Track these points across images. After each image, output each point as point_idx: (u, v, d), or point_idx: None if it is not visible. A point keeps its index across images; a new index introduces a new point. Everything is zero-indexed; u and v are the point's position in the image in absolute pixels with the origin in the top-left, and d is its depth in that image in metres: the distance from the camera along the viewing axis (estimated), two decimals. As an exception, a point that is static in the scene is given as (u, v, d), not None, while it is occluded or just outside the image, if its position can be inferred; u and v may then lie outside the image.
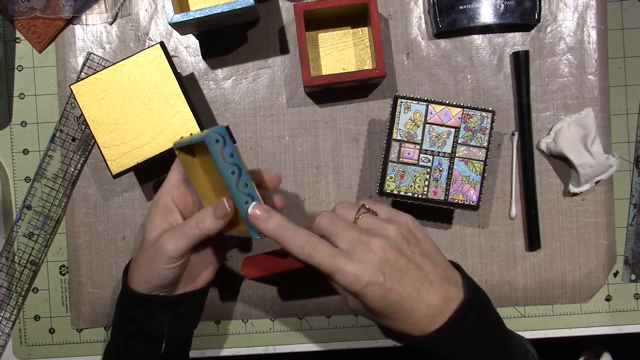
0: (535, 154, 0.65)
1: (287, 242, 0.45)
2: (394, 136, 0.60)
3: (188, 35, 0.65)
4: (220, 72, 0.66)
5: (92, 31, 0.66)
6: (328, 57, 0.65)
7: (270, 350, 0.68)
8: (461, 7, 0.63)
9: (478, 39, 0.66)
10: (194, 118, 0.59)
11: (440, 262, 0.47)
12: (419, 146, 0.60)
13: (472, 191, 0.60)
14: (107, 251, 0.66)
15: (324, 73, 0.65)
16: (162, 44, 0.59)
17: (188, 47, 0.66)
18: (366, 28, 0.65)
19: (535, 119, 0.65)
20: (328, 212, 0.48)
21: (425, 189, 0.60)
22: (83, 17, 0.66)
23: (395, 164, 0.60)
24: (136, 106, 0.59)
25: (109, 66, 0.59)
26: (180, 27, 0.59)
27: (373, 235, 0.45)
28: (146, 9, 0.66)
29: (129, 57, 0.59)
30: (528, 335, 0.67)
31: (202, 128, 0.59)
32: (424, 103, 0.60)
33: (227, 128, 0.46)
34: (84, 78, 0.59)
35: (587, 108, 0.64)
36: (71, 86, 0.59)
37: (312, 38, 0.65)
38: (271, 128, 0.66)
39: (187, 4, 0.63)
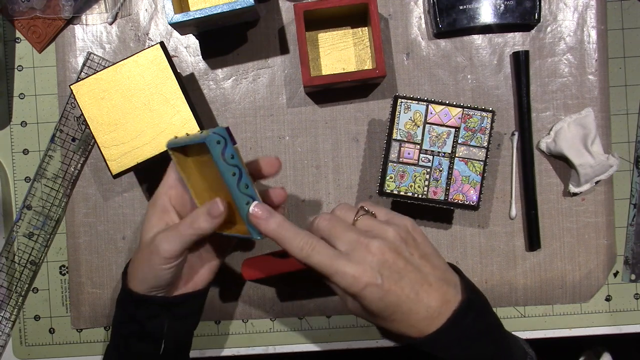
0: (535, 154, 0.65)
1: (286, 242, 0.45)
2: (394, 136, 0.60)
3: (188, 35, 0.65)
4: (220, 72, 0.66)
5: (92, 31, 0.66)
6: (328, 57, 0.65)
7: (270, 350, 0.68)
8: (461, 7, 0.63)
9: (478, 39, 0.65)
10: (194, 118, 0.59)
11: (438, 264, 0.47)
12: (419, 146, 0.60)
13: (472, 191, 0.60)
14: (107, 251, 0.67)
15: (324, 73, 0.65)
16: (162, 44, 0.59)
17: (188, 47, 0.66)
18: (366, 28, 0.65)
19: (535, 119, 0.65)
20: (327, 214, 0.49)
21: (425, 189, 0.60)
22: (83, 17, 0.66)
23: (395, 164, 0.60)
24: (136, 106, 0.59)
25: (109, 66, 0.59)
26: (180, 27, 0.59)
27: (372, 237, 0.45)
28: (146, 9, 0.66)
29: (129, 57, 0.59)
30: (528, 335, 0.67)
31: (202, 128, 0.59)
32: (424, 103, 0.59)
33: (228, 129, 0.46)
34: (84, 78, 0.59)
35: (587, 108, 0.64)
36: (71, 86, 0.59)
37: (312, 38, 0.65)
38: (271, 128, 0.66)
39: (187, 4, 0.63)
